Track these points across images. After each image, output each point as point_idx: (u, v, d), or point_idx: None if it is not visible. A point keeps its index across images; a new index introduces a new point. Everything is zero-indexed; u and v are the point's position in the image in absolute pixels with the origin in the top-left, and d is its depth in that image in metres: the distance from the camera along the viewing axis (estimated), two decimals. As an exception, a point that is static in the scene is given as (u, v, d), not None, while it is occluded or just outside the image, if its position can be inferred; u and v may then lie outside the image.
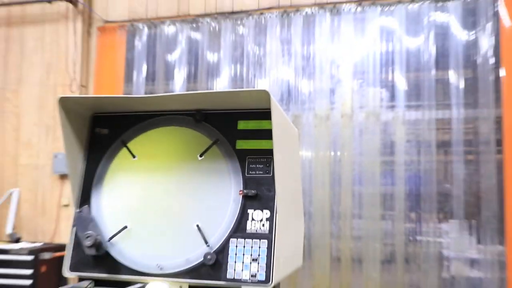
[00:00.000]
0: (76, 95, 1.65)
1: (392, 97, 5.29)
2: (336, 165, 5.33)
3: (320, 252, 5.25)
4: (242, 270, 1.60)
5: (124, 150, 1.82)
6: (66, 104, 1.76)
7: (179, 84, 5.87)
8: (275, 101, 1.57)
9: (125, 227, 1.73)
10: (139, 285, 1.40)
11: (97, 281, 1.74)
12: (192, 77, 5.90)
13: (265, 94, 1.55)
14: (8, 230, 5.86)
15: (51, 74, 6.05)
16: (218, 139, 1.75)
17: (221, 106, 1.77)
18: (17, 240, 5.76)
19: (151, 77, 6.02)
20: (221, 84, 5.74)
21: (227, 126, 1.76)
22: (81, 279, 1.75)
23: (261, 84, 5.59)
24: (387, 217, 5.16)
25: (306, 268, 5.16)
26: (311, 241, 5.23)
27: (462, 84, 5.11)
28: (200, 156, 1.75)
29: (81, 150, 1.86)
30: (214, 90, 1.68)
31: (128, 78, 6.03)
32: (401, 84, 5.25)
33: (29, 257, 5.29)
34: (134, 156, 1.81)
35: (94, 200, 1.80)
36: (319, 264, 5.24)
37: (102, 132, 1.87)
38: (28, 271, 5.28)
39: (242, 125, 1.75)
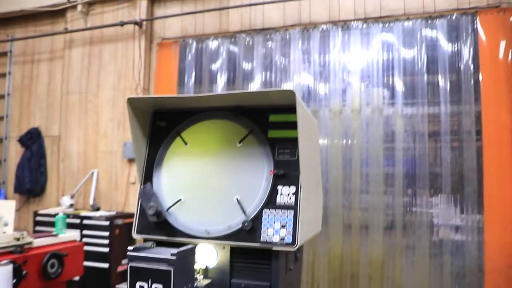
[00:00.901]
0: (140, 95, 1.65)
1: (393, 96, 5.18)
2: (347, 150, 5.25)
3: (334, 220, 5.19)
4: (273, 234, 1.57)
5: (178, 138, 1.81)
6: (133, 103, 1.75)
7: (220, 87, 5.85)
8: (299, 98, 1.53)
9: (180, 199, 1.72)
10: (190, 245, 1.37)
11: (157, 242, 1.74)
12: (231, 82, 5.86)
13: (291, 93, 1.51)
14: (91, 201, 5.96)
15: (121, 80, 6.10)
16: (253, 129, 1.72)
17: (255, 103, 1.74)
18: (97, 209, 5.85)
19: (198, 82, 6.01)
20: (254, 87, 5.70)
21: (260, 119, 1.73)
22: (145, 240, 1.75)
23: (286, 87, 5.54)
24: (388, 193, 5.08)
25: (323, 233, 5.10)
26: (327, 211, 5.17)
27: (448, 86, 4.99)
28: (239, 143, 1.72)
29: (145, 139, 1.85)
30: (249, 90, 1.64)
31: (181, 82, 6.04)
32: (400, 85, 5.14)
33: (106, 223, 5.37)
34: (186, 144, 1.79)
35: (155, 178, 1.79)
36: (333, 230, 5.18)
37: (161, 124, 1.86)
38: (106, 233, 5.36)
39: (272, 118, 1.72)
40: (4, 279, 2.69)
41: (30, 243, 3.50)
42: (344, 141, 5.27)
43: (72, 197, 5.99)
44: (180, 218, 1.70)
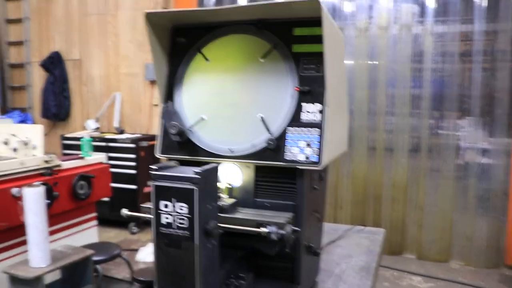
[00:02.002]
0: (159, 10, 1.57)
1: (423, 12, 4.90)
2: (373, 70, 5.09)
3: (358, 142, 5.15)
4: (298, 153, 1.53)
5: (199, 55, 1.72)
6: (151, 18, 1.66)
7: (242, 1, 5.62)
8: (325, 10, 1.42)
9: (202, 118, 1.67)
10: (213, 164, 1.35)
11: (181, 162, 1.72)
12: (252, -4, 5.62)
13: (316, 3, 1.39)
14: (115, 124, 6.04)
15: (139, 0, 5.91)
16: (276, 43, 1.62)
17: (279, 16, 1.62)
18: (122, 132, 5.94)
19: (219, -1, 5.79)
20: None
21: (284, 32, 1.61)
22: (169, 160, 1.74)
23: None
24: (414, 115, 4.97)
25: (347, 155, 5.10)
26: (351, 133, 5.13)
27: (484, 2, 4.67)
28: (262, 58, 1.63)
29: (165, 56, 1.77)
30: (272, 1, 1.52)
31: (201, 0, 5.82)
32: (431, 1, 4.84)
33: (132, 145, 5.46)
34: (207, 60, 1.71)
35: (176, 97, 1.74)
36: (357, 152, 5.16)
37: (181, 41, 1.77)
38: (132, 155, 5.47)
39: (297, 31, 1.60)
40: (37, 199, 2.79)
41: (59, 165, 3.59)
42: (370, 60, 5.09)
43: (96, 120, 6.07)
44: (203, 137, 1.66)
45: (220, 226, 1.44)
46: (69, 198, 3.57)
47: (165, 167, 1.35)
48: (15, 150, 3.39)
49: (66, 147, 5.67)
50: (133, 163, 5.41)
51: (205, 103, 1.69)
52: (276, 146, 1.54)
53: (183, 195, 1.26)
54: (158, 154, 1.74)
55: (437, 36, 4.89)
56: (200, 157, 1.67)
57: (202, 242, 1.27)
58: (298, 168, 1.53)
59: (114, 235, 5.38)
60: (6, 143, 3.45)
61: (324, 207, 1.95)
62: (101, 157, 4.17)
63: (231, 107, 1.64)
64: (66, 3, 6.30)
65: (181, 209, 1.26)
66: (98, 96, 6.22)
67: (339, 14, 5.19)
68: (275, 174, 1.61)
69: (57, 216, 3.48)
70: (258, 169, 1.63)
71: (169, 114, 1.70)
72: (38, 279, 2.74)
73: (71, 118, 6.45)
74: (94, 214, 3.95)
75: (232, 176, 1.66)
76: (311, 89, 1.55)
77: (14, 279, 2.87)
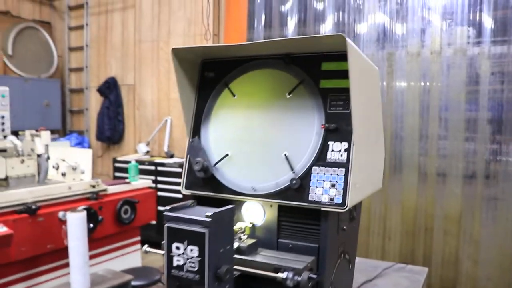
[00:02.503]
0: (187, 45, 1.55)
1: (479, 34, 4.66)
2: (425, 95, 4.88)
3: (409, 169, 4.93)
4: (322, 194, 1.45)
5: (227, 90, 1.70)
6: (178, 54, 1.66)
7: (291, 29, 5.62)
8: (351, 44, 1.35)
9: (227, 154, 1.64)
10: (229, 206, 1.30)
11: (205, 198, 1.69)
12: (301, 24, 5.62)
13: (341, 38, 1.33)
14: (165, 148, 6.16)
15: (191, 26, 6.06)
16: (304, 79, 1.56)
17: (307, 50, 1.57)
18: (171, 156, 6.05)
19: (268, 25, 5.83)
20: (326, 28, 5.42)
21: (312, 67, 1.56)
22: (194, 196, 1.72)
23: (360, 28, 5.19)
24: (470, 139, 4.69)
25: (396, 183, 4.90)
26: (401, 160, 4.93)
27: (548, 19, 4.38)
28: (288, 94, 1.58)
29: (193, 90, 1.77)
30: (299, 36, 1.47)
31: (250, 26, 5.89)
32: (488, 22, 4.60)
33: (179, 169, 5.54)
34: (234, 95, 1.68)
35: (203, 132, 1.72)
36: (407, 179, 4.93)
37: (209, 75, 1.76)
38: (179, 180, 5.52)
39: (325, 66, 1.54)
40: (79, 224, 2.86)
41: (105, 190, 3.68)
42: (422, 84, 4.90)
43: (147, 144, 6.22)
44: (227, 174, 1.62)
45: (236, 268, 1.40)
46: (113, 222, 3.64)
47: (180, 207, 1.32)
48: (63, 174, 3.51)
49: (118, 169, 5.84)
50: (180, 188, 5.46)
51: (230, 139, 1.66)
52: (300, 185, 1.48)
53: (194, 238, 1.22)
54: (183, 190, 1.73)
55: (495, 57, 4.63)
56: (223, 194, 1.63)
57: (212, 287, 1.22)
58: (322, 209, 1.45)
59: (160, 257, 5.43)
60: (56, 167, 3.59)
61: (355, 248, 1.84)
62: (147, 182, 4.25)
63: (256, 144, 1.60)
64: (123, 31, 6.59)
65: (192, 252, 1.22)
66: (150, 120, 6.40)
67: (390, 38, 5.06)
68: (299, 214, 1.53)
69: (101, 240, 3.55)
70: (282, 209, 1.57)
71: (195, 150, 1.68)
72: (77, 303, 2.79)
73: (124, 141, 6.67)
74: (137, 238, 4.01)
75: (255, 215, 1.61)
76: (338, 126, 1.48)
77: (55, 302, 2.94)
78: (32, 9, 6.93)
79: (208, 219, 1.20)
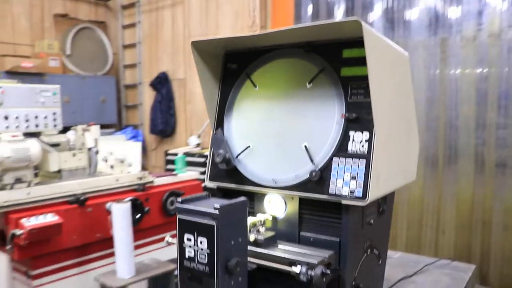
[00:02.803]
0: (206, 38, 1.54)
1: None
2: (482, 82, 4.58)
3: (465, 160, 4.66)
4: (342, 186, 1.39)
5: (248, 81, 1.68)
6: (198, 46, 1.66)
7: (338, 19, 5.48)
8: (368, 28, 1.28)
9: (248, 146, 1.62)
10: (242, 198, 1.28)
11: (228, 190, 1.68)
12: (349, 12, 5.46)
13: (358, 24, 1.26)
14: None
15: (238, 19, 6.08)
16: (324, 67, 1.50)
17: (328, 37, 1.51)
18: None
19: (315, 15, 5.72)
20: (374, 16, 5.23)
21: (333, 55, 1.50)
22: (218, 188, 1.72)
23: (410, 13, 4.96)
24: (532, 128, 4.36)
25: (450, 173, 4.65)
26: (456, 150, 4.68)
27: None
28: (309, 83, 1.53)
29: (217, 82, 1.76)
30: (318, 23, 1.41)
31: (297, 17, 5.81)
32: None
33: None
34: (255, 86, 1.66)
35: (226, 124, 1.71)
36: (463, 171, 4.67)
37: (232, 67, 1.74)
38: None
39: (346, 53, 1.48)
40: (124, 215, 2.96)
41: (151, 182, 3.79)
42: (479, 70, 4.60)
43: (198, 136, 6.32)
44: (249, 166, 1.61)
45: (251, 261, 1.38)
46: (159, 213, 3.74)
47: (193, 199, 1.32)
48: (111, 167, 3.64)
49: (169, 162, 5.98)
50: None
51: (252, 131, 1.63)
52: (320, 177, 1.43)
53: (203, 230, 1.21)
54: (207, 182, 1.73)
55: None
56: (245, 186, 1.61)
57: (222, 279, 1.21)
58: (343, 203, 1.39)
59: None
60: (105, 160, 3.73)
61: (386, 243, 1.76)
62: (194, 173, 4.32)
63: (276, 135, 1.56)
64: (173, 26, 6.72)
65: (201, 244, 1.22)
66: (200, 114, 6.49)
67: (443, 23, 4.80)
68: (320, 207, 1.49)
69: (147, 230, 3.66)
70: (303, 201, 1.53)
71: (218, 142, 1.67)
72: (122, 289, 2.90)
73: (176, 134, 6.82)
74: (184, 229, 4.08)
75: (277, 207, 1.58)
76: (359, 116, 1.41)
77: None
78: (88, 10, 7.23)
79: (217, 212, 1.18)
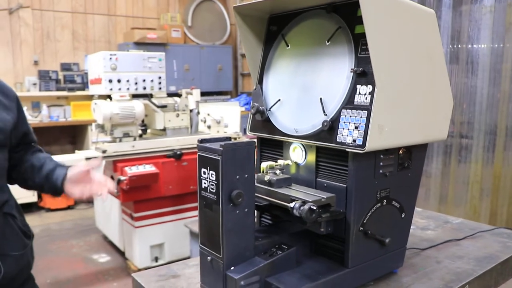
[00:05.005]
0: (248, 2, 1.70)
1: None
2: None
3: None
4: (347, 135, 1.55)
5: (283, 41, 1.88)
6: (241, 11, 1.90)
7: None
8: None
9: (279, 100, 1.84)
10: (250, 140, 1.52)
11: (264, 140, 1.94)
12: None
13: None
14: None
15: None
16: (340, 26, 1.64)
17: (349, -3, 1.64)
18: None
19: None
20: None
21: (350, 14, 1.62)
22: (257, 137, 1.97)
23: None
24: None
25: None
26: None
27: None
28: (327, 41, 1.68)
29: (260, 45, 1.99)
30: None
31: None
32: None
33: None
34: (288, 45, 1.86)
35: (264, 80, 1.94)
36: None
37: (273, 29, 1.95)
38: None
39: (360, 11, 1.59)
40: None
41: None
42: None
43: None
44: (279, 117, 1.82)
45: (260, 196, 1.63)
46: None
47: (213, 140, 1.59)
48: (209, 127, 4.10)
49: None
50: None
51: (283, 85, 1.84)
52: (331, 127, 1.60)
53: (213, 164, 1.49)
54: (248, 132, 1.99)
55: None
56: (275, 135, 1.84)
57: (226, 207, 1.48)
58: (347, 150, 1.55)
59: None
60: (204, 121, 4.20)
61: (412, 198, 1.84)
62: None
63: (300, 89, 1.76)
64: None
65: (212, 176, 1.50)
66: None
67: None
68: (333, 156, 1.66)
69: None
70: (319, 150, 1.71)
71: (256, 96, 1.92)
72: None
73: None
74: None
75: (298, 155, 1.78)
76: (365, 70, 1.54)
77: (191, 233, 3.56)
78: (209, -17, 7.81)
79: (221, 149, 1.45)
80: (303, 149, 1.77)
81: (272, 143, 1.93)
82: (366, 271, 1.71)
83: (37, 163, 1.97)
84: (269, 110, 1.86)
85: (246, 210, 1.53)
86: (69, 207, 7.23)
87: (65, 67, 7.62)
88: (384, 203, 1.71)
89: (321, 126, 1.62)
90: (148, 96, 4.17)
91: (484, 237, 2.22)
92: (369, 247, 1.69)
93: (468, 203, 4.64)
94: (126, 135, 3.67)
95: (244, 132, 5.10)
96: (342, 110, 1.59)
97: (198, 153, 1.57)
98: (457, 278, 1.80)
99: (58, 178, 1.92)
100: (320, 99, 1.65)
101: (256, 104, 1.87)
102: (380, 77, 1.48)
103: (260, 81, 1.96)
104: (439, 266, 1.92)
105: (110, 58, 3.64)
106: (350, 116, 1.55)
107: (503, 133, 4.35)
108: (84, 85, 7.32)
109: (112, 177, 3.69)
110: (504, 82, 4.35)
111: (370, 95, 1.51)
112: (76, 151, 3.87)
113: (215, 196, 1.50)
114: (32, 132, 2.06)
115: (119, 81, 3.70)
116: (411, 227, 1.94)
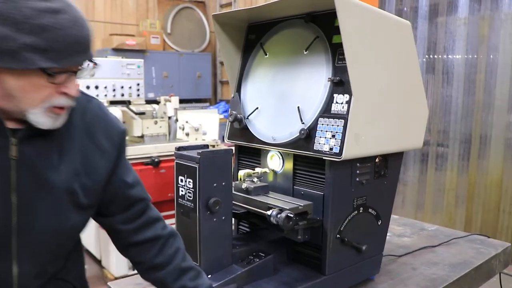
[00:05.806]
0: (228, 10, 1.72)
1: None
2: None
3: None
4: (324, 144, 1.57)
5: (262, 50, 1.90)
6: (219, 19, 1.91)
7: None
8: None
9: (257, 108, 1.85)
10: (227, 148, 1.53)
11: (241, 148, 1.94)
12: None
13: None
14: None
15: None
16: (317, 36, 1.67)
17: (325, 7, 1.67)
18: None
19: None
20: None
21: (327, 24, 1.66)
22: (235, 145, 1.98)
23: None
24: None
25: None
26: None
27: None
28: (305, 50, 1.71)
29: (239, 52, 2.00)
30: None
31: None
32: None
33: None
34: (266, 54, 1.87)
35: (242, 88, 1.95)
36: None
37: (252, 37, 1.97)
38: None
39: (337, 21, 1.62)
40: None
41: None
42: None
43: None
44: (257, 126, 1.84)
45: (240, 205, 1.63)
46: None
47: (190, 147, 1.60)
48: (187, 134, 4.08)
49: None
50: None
51: (261, 94, 1.86)
52: (308, 135, 1.62)
53: (190, 172, 1.49)
54: (225, 139, 2.00)
55: None
56: (253, 143, 1.85)
57: (203, 215, 1.48)
58: (324, 158, 1.57)
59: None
60: (182, 128, 4.18)
61: (388, 206, 1.88)
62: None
63: (278, 97, 1.78)
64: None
65: (189, 184, 1.50)
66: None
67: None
68: (310, 164, 1.68)
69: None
70: (297, 158, 1.73)
71: (234, 104, 1.93)
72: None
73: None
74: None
75: (276, 163, 1.80)
76: (342, 79, 1.57)
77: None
78: (189, -10, 7.83)
79: (198, 156, 1.45)
80: (281, 157, 1.79)
81: (250, 151, 1.94)
82: (343, 278, 1.73)
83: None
84: (247, 118, 1.88)
85: (223, 218, 1.54)
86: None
87: (41, 72, 7.46)
88: (360, 211, 1.73)
89: (298, 134, 1.64)
90: (126, 103, 4.15)
91: (458, 244, 2.27)
92: (346, 254, 1.71)
93: (444, 210, 4.72)
94: (103, 142, 3.63)
95: (223, 139, 5.10)
96: (319, 118, 1.61)
97: (175, 161, 1.58)
98: (432, 284, 1.84)
99: None
100: (298, 107, 1.67)
101: (234, 112, 1.88)
102: (356, 87, 1.51)
103: (238, 89, 1.97)
104: (415, 272, 1.95)
105: (88, 64, 3.58)
106: (327, 125, 1.58)
107: (477, 141, 4.46)
108: (61, 91, 7.20)
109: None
110: (478, 92, 4.46)
111: (347, 104, 1.54)
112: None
113: (192, 204, 1.50)
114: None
115: (96, 87, 3.68)
116: (388, 234, 1.97)
